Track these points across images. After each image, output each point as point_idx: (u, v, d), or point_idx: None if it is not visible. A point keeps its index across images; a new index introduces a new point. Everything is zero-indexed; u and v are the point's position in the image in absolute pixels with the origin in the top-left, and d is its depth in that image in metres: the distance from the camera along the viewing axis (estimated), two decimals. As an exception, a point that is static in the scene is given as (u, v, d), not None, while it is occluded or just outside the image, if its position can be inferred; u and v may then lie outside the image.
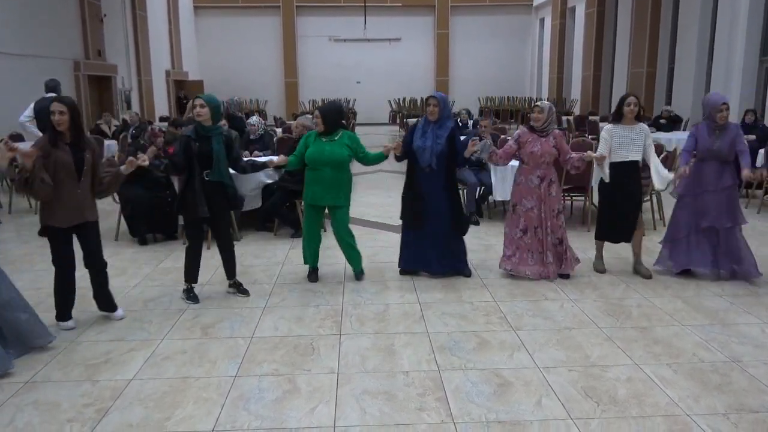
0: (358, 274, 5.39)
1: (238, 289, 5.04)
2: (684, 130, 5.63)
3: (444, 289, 5.11)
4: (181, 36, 23.84)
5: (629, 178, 5.24)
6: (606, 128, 5.31)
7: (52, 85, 9.31)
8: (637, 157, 5.23)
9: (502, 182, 7.19)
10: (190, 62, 24.80)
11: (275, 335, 4.20)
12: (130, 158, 4.36)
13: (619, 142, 5.19)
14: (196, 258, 4.88)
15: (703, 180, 5.16)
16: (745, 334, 4.15)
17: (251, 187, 6.99)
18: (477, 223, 7.42)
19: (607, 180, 5.25)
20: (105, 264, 4.44)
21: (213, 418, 3.16)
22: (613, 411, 3.18)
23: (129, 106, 18.33)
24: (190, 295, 4.88)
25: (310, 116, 9.39)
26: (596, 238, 5.61)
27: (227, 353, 3.91)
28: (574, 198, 7.71)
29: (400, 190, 5.46)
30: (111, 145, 10.91)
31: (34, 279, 5.45)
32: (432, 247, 5.31)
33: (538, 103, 5.26)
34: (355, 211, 8.34)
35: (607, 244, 5.61)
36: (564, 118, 18.12)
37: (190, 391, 3.43)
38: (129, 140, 11.17)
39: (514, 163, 5.53)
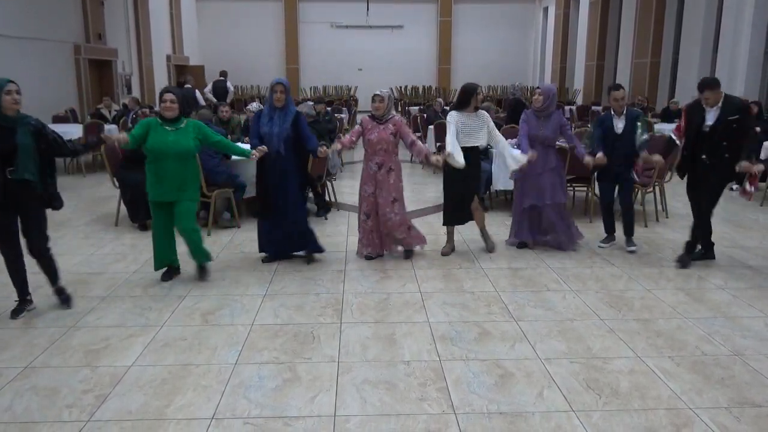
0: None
1: (59, 296, 4.43)
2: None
3: (445, 278, 5.09)
4: (183, 20, 23.69)
5: (471, 163, 5.48)
6: (451, 114, 5.51)
7: (222, 71, 15.02)
8: (479, 143, 5.52)
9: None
10: (191, 47, 24.67)
11: (275, 323, 4.18)
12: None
13: (465, 129, 5.42)
14: (9, 267, 4.26)
15: (531, 163, 5.54)
16: (749, 327, 4.13)
17: (252, 173, 6.92)
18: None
19: (461, 166, 5.32)
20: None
21: (213, 405, 3.14)
22: (615, 403, 3.16)
23: (129, 91, 18.25)
24: (16, 308, 4.27)
25: (312, 103, 9.33)
26: (444, 224, 5.82)
27: (227, 340, 3.89)
28: (576, 188, 7.69)
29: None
30: (111, 130, 10.84)
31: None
32: (286, 232, 5.36)
33: (378, 92, 5.39)
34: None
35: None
36: (567, 107, 18.03)
37: (190, 378, 3.41)
38: (129, 125, 11.13)
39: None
